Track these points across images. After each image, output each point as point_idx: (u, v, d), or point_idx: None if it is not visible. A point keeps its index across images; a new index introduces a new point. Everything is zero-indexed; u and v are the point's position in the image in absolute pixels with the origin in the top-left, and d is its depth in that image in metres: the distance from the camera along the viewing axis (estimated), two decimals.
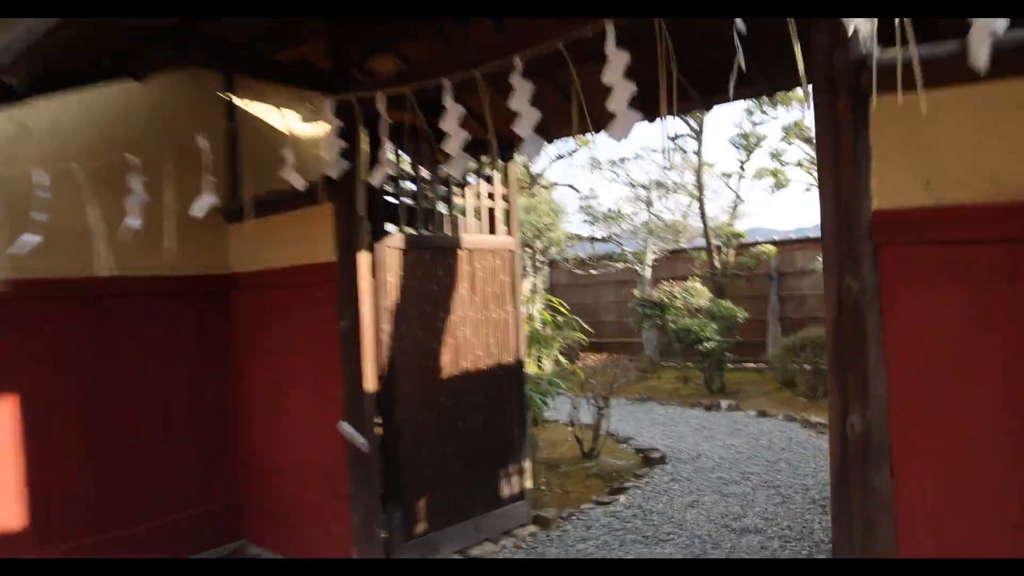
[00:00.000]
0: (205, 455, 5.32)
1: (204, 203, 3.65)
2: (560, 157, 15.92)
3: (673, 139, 14.24)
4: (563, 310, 8.53)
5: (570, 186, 16.44)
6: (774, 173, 14.83)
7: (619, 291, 15.93)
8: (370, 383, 4.43)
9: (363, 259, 4.47)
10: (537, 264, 16.77)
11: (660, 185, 14.20)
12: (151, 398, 5.02)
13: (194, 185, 3.67)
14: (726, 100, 5.01)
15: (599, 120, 2.35)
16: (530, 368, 7.10)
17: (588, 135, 15.64)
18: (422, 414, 4.88)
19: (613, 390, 7.88)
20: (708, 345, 10.94)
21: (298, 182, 3.87)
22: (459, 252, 5.26)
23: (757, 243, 13.75)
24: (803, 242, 13.79)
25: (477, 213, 5.57)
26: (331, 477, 4.60)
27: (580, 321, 7.84)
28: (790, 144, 14.82)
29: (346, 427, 4.34)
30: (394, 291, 4.74)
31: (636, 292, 12.52)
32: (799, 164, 15.03)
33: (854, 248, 2.43)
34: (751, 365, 14.17)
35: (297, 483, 5.01)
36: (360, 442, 4.31)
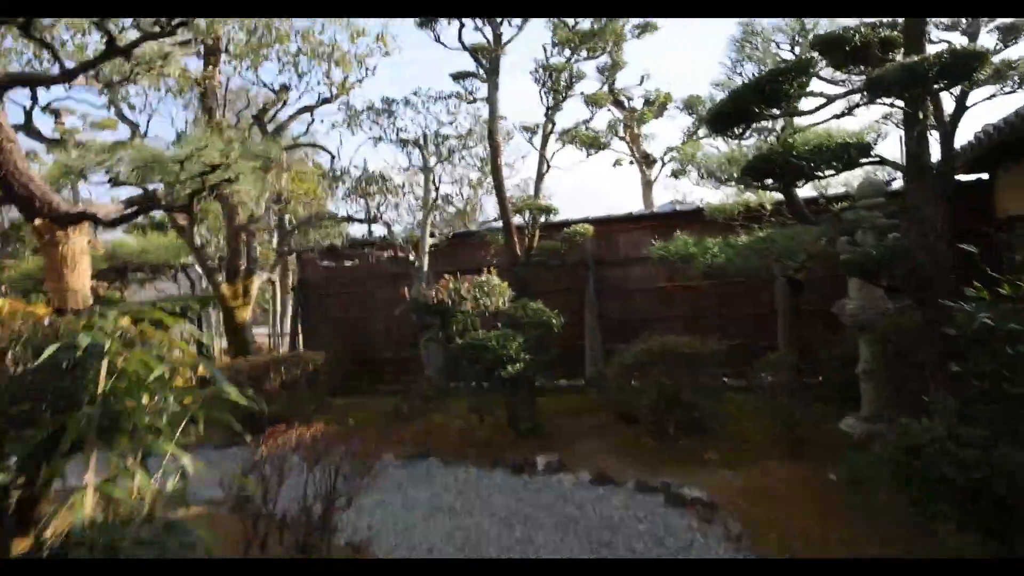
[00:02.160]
0: None
1: None
2: (305, 109, 11.67)
3: (457, 79, 10.64)
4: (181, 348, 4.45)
5: (318, 146, 12.28)
6: (587, 138, 11.76)
7: (394, 289, 12.11)
8: None
9: None
10: (280, 252, 12.40)
11: (440, 143, 10.53)
12: None
13: None
14: None
15: None
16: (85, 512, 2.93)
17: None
18: None
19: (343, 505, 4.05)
20: (513, 368, 7.45)
21: None
22: None
23: (569, 222, 10.59)
24: (626, 222, 10.88)
25: None
26: None
27: (223, 381, 3.70)
28: (600, 108, 11.88)
29: None
30: None
31: (405, 292, 8.72)
32: (612, 129, 12.08)
33: None
34: (564, 382, 11.06)
35: None
36: None
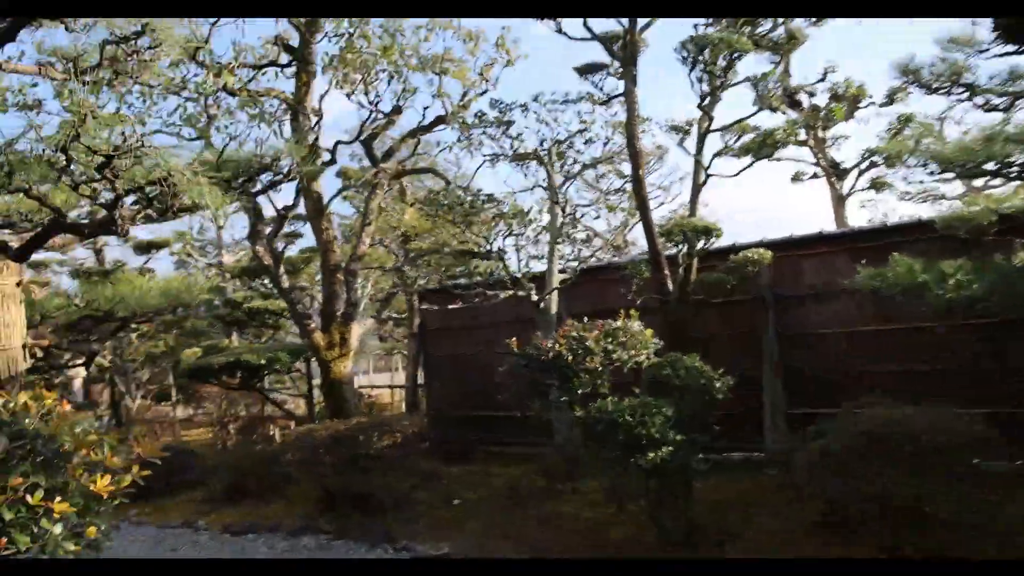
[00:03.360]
0: None
1: None
2: (418, 131, 10.15)
3: (585, 74, 8.67)
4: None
5: (429, 170, 10.71)
6: (755, 144, 9.25)
7: (520, 335, 10.19)
8: None
9: None
10: (389, 295, 10.96)
11: (566, 155, 8.58)
12: None
13: None
14: None
15: None
16: None
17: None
18: None
19: None
20: (657, 455, 5.17)
21: None
22: None
23: (737, 247, 8.18)
24: (816, 243, 8.27)
25: None
26: None
27: None
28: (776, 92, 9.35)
29: None
30: None
31: (515, 342, 6.72)
32: (788, 132, 9.48)
33: None
34: (737, 455, 8.50)
35: None
36: None
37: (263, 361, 9.58)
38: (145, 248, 16.63)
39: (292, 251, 15.37)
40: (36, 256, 20.37)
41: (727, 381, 5.94)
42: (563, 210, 8.86)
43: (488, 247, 8.92)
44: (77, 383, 27.69)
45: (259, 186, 5.45)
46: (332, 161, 8.99)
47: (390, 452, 7.79)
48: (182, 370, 10.54)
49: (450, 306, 9.02)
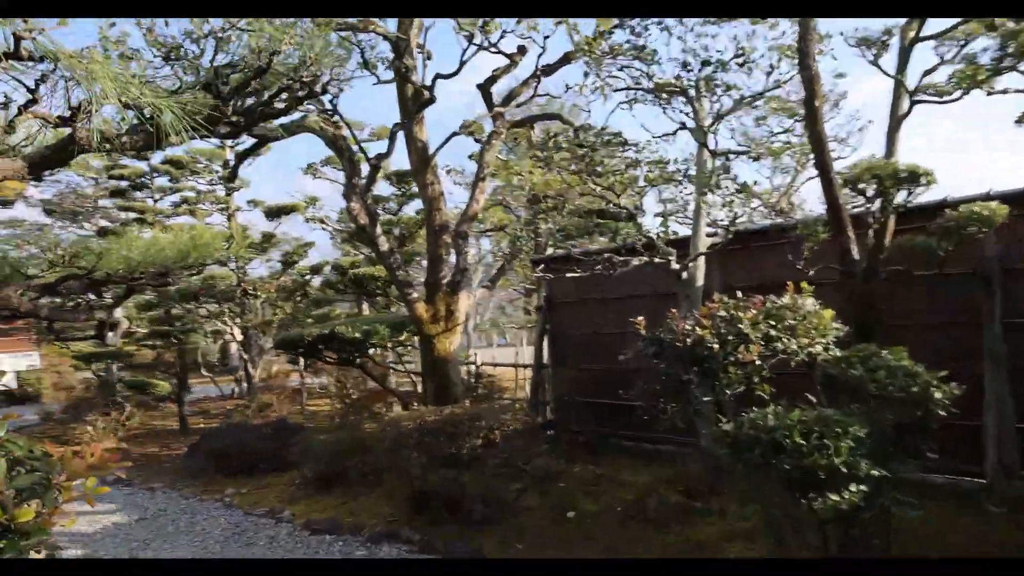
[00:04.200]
0: None
1: None
2: (542, 72, 8.67)
3: None
4: None
5: (557, 117, 9.25)
6: (965, 74, 6.92)
7: (660, 311, 8.60)
8: None
9: None
10: (506, 259, 9.71)
11: (712, 80, 6.85)
12: None
13: None
14: None
15: None
16: None
17: None
18: None
19: None
20: (843, 497, 3.50)
21: None
22: None
23: (951, 202, 6.12)
24: None
25: None
26: None
27: None
28: None
29: None
30: None
31: (640, 323, 5.20)
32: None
33: None
34: (939, 479, 6.51)
35: None
36: None
37: (357, 335, 8.66)
38: (275, 213, 16.49)
39: (408, 211, 14.62)
40: (176, 220, 20.95)
41: (949, 389, 4.11)
42: (713, 155, 7.12)
43: (618, 203, 7.37)
44: (234, 347, 28.95)
45: (252, 101, 4.26)
46: (431, 100, 7.75)
47: (498, 447, 6.57)
48: (276, 342, 9.94)
49: (568, 275, 7.56)
